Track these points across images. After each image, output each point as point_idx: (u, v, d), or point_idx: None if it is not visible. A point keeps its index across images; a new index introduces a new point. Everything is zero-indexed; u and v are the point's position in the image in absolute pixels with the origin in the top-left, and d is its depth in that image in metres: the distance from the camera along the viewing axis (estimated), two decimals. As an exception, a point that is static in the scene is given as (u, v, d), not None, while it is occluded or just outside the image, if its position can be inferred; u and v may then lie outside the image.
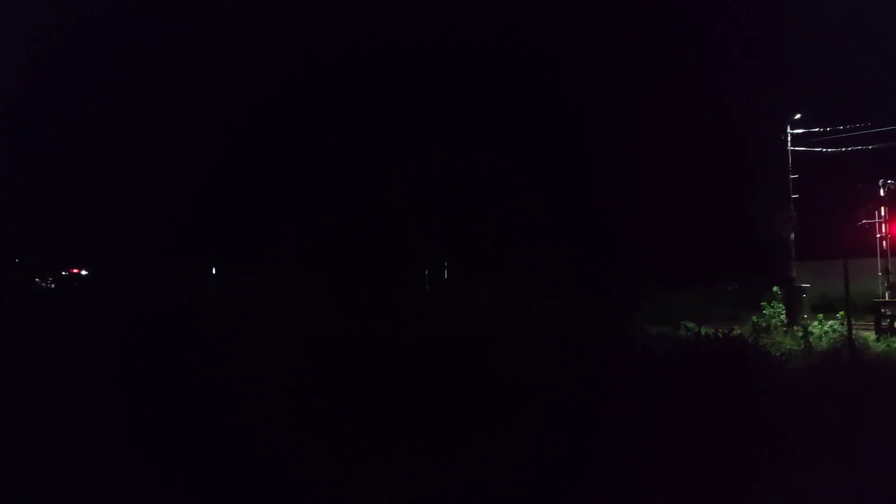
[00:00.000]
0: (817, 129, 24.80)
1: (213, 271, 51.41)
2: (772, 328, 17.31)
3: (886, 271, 22.75)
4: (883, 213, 22.68)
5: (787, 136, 24.51)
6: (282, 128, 54.65)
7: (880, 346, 14.64)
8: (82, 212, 56.24)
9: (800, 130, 24.66)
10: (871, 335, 16.70)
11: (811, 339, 14.60)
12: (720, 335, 11.75)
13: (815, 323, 17.35)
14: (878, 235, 22.35)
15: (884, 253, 23.21)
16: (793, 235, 23.45)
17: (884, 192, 22.87)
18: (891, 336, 16.53)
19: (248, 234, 48.13)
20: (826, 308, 19.13)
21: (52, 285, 55.55)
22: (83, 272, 60.78)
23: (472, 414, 7.83)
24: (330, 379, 9.78)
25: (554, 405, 7.92)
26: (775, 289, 21.13)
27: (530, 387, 8.69)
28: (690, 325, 16.01)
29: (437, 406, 8.11)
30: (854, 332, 14.12)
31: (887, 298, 20.50)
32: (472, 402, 8.21)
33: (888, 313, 18.38)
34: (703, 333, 13.10)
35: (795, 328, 17.24)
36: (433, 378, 9.34)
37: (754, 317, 18.94)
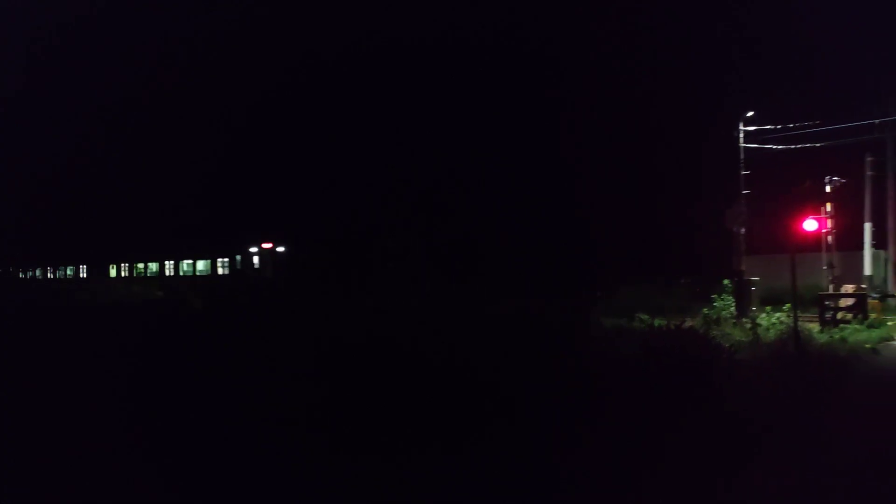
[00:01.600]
0: (769, 127, 25.46)
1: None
2: (722, 320, 17.78)
3: (830, 265, 23.65)
4: (829, 209, 23.57)
5: (739, 134, 25.12)
6: (264, 129, 53.75)
7: (823, 338, 15.21)
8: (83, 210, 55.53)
9: (752, 128, 25.29)
10: (815, 326, 17.32)
11: (759, 331, 15.05)
12: (672, 327, 12.06)
13: (763, 315, 17.92)
14: (824, 231, 23.19)
15: (829, 248, 24.13)
16: (743, 230, 24.11)
17: (829, 189, 23.75)
18: (833, 328, 17.17)
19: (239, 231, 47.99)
20: (774, 301, 19.70)
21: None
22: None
23: (433, 416, 7.79)
24: (328, 379, 9.60)
25: (511, 400, 8.00)
26: (726, 282, 21.73)
27: (486, 382, 8.72)
28: (644, 317, 16.36)
29: (399, 409, 8.03)
30: (799, 323, 14.62)
31: (831, 291, 21.31)
32: (433, 404, 8.16)
33: (832, 306, 19.11)
34: (656, 325, 13.45)
35: (744, 320, 17.74)
36: (390, 379, 9.24)
37: (705, 309, 19.42)
